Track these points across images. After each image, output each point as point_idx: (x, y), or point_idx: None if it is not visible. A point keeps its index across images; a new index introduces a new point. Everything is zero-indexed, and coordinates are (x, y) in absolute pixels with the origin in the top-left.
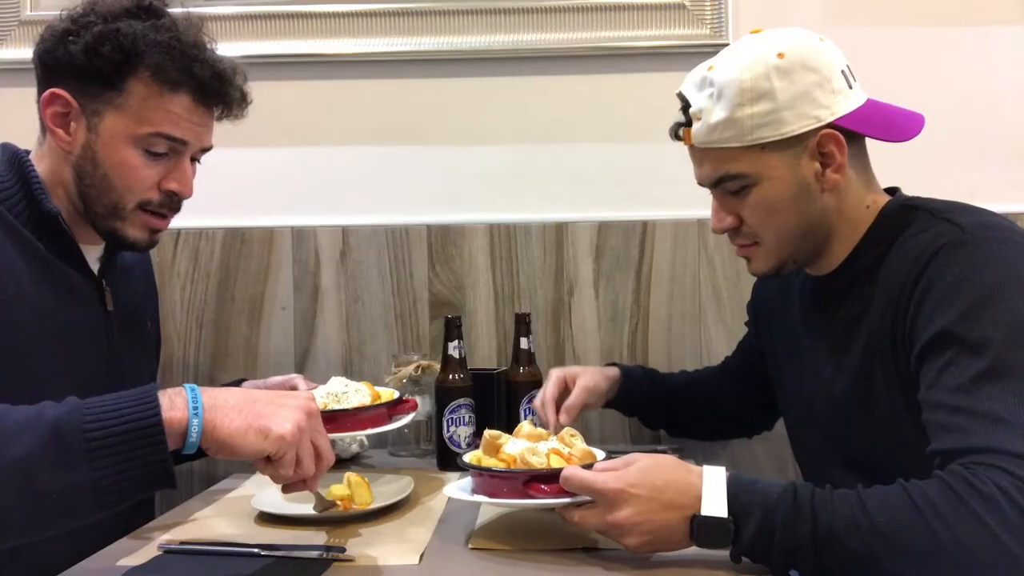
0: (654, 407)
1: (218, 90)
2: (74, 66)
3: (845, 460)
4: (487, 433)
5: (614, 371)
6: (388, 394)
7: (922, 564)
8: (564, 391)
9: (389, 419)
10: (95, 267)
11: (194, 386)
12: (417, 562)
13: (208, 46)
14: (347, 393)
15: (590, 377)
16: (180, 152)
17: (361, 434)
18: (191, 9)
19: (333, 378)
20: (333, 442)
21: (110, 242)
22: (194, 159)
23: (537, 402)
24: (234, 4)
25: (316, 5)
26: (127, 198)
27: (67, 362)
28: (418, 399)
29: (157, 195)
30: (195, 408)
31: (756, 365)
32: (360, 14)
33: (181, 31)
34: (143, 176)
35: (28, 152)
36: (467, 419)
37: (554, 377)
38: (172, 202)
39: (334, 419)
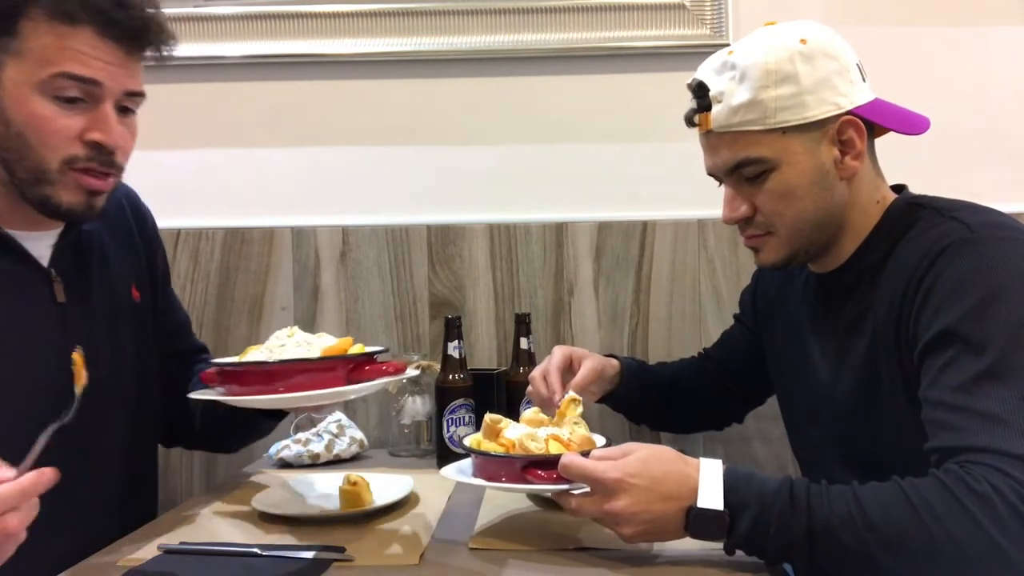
0: (642, 405)
1: (122, 19)
2: None
3: (847, 458)
4: (488, 417)
5: (615, 365)
6: (359, 349)
7: (916, 562)
8: (568, 368)
9: (345, 381)
10: (44, 258)
11: None
12: (417, 562)
13: None
14: (285, 346)
15: (597, 360)
16: (97, 96)
17: (301, 395)
18: (186, 9)
19: (277, 331)
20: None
21: (44, 213)
22: (128, 109)
23: (538, 373)
24: (234, 4)
25: (316, 5)
26: (48, 157)
27: (18, 361)
28: (418, 399)
29: (82, 149)
30: None
31: (742, 358)
32: (360, 14)
33: None
34: (59, 128)
35: None
36: (467, 419)
37: (559, 352)
38: (102, 157)
39: (256, 376)
